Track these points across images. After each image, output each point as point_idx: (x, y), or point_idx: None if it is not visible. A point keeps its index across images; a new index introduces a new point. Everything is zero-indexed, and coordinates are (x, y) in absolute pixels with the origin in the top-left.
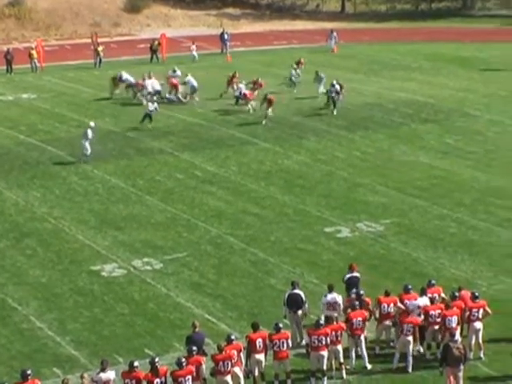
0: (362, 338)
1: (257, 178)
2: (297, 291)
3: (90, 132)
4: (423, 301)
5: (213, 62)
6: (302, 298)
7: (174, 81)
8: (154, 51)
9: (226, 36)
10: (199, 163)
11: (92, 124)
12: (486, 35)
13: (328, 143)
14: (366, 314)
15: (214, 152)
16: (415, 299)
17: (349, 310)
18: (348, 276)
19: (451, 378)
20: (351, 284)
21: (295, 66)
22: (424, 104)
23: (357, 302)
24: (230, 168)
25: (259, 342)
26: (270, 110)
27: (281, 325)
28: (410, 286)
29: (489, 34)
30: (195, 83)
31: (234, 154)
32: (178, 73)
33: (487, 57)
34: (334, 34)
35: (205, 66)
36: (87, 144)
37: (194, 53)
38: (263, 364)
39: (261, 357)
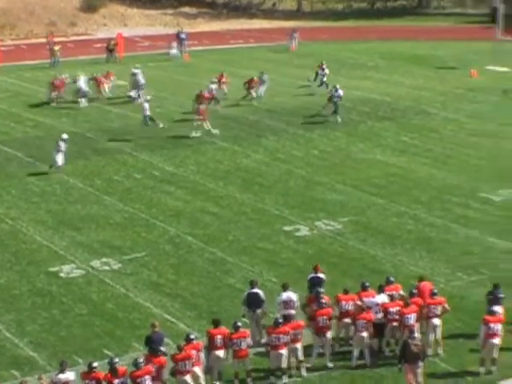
0: (328, 335)
1: (215, 178)
2: (256, 290)
3: (62, 144)
4: (381, 298)
5: (170, 61)
6: (260, 297)
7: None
8: (110, 51)
9: (182, 35)
10: (157, 163)
11: (64, 136)
12: (440, 33)
13: (286, 142)
14: (332, 312)
15: (172, 152)
16: (373, 297)
17: (314, 308)
18: (311, 276)
19: (410, 375)
20: (313, 284)
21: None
22: (381, 102)
23: (324, 301)
24: (189, 167)
25: (219, 339)
26: (252, 91)
27: (239, 323)
28: (367, 284)
29: (444, 33)
30: (142, 79)
31: (193, 153)
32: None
33: (442, 55)
34: (296, 34)
35: (163, 65)
36: (59, 156)
37: (174, 50)
38: (223, 362)
39: (220, 353)
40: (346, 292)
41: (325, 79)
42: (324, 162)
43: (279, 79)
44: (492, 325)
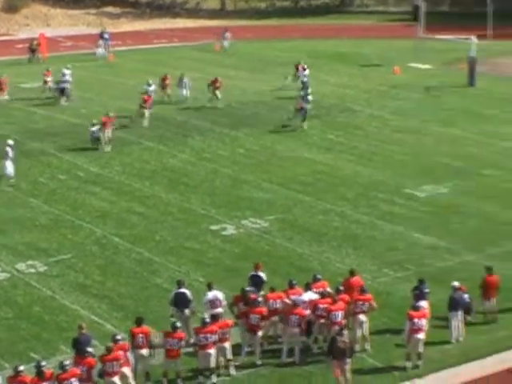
0: (259, 334)
1: (141, 178)
2: (183, 290)
3: (9, 150)
4: (308, 295)
5: (94, 61)
6: (188, 297)
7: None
8: (33, 51)
9: (106, 35)
10: (82, 164)
11: (10, 142)
12: (364, 31)
13: (212, 141)
14: (264, 311)
15: (97, 153)
16: (300, 294)
17: (241, 307)
18: (251, 274)
19: (338, 371)
20: (253, 282)
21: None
22: None
23: (260, 299)
24: (114, 168)
25: (141, 337)
26: (218, 92)
27: (178, 324)
28: (294, 282)
29: (367, 31)
30: (69, 79)
31: (118, 154)
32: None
33: (366, 53)
34: (227, 33)
35: (86, 65)
36: (8, 164)
37: (101, 50)
38: (147, 361)
39: (143, 352)
40: (272, 290)
41: (306, 79)
42: (250, 161)
43: (205, 78)
44: (416, 320)
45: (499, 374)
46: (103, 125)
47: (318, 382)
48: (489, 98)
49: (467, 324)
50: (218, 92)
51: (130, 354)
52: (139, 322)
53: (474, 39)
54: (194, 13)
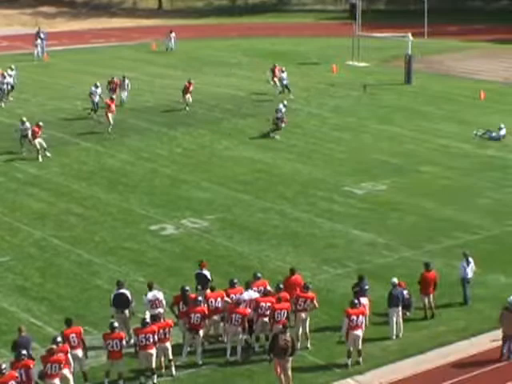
0: (200, 333)
1: (79, 179)
2: (122, 291)
3: None
4: (249, 294)
5: (30, 61)
6: (128, 298)
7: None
8: None
9: (41, 35)
10: (19, 165)
11: None
12: (302, 30)
13: (150, 141)
14: (205, 310)
15: (34, 154)
16: (241, 293)
17: (181, 306)
18: (196, 272)
19: (279, 368)
20: (198, 280)
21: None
22: (244, 99)
23: (200, 298)
24: (52, 169)
25: (72, 337)
26: (188, 96)
27: (116, 324)
28: (235, 281)
29: (305, 29)
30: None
31: (56, 155)
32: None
33: (304, 51)
34: (173, 34)
35: (22, 65)
36: None
37: (39, 50)
38: (84, 362)
39: (78, 353)
40: (212, 289)
41: (285, 82)
42: (189, 160)
43: (142, 78)
44: (354, 317)
45: (439, 369)
46: (33, 134)
47: (260, 381)
48: (425, 95)
49: (406, 320)
50: (188, 96)
51: (70, 356)
52: (69, 323)
53: (410, 37)
54: (131, 12)
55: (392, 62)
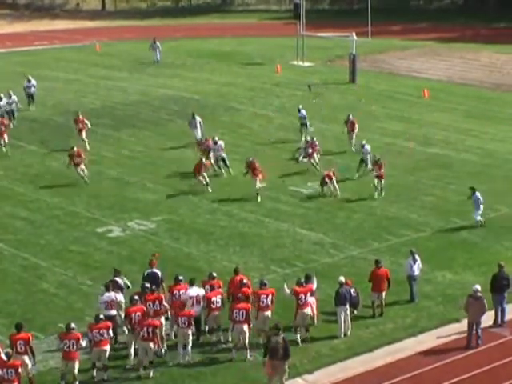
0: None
1: (24, 182)
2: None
3: None
4: (194, 291)
5: None
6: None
7: None
8: None
9: None
10: None
11: None
12: (246, 30)
13: (95, 143)
14: (144, 309)
15: None
16: (186, 290)
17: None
18: (147, 272)
19: (269, 369)
20: (150, 279)
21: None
22: (190, 100)
23: (136, 297)
24: None
25: (20, 344)
26: None
27: (73, 325)
28: (180, 277)
29: (249, 29)
30: None
31: None
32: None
33: (249, 51)
34: (157, 43)
35: None
36: None
37: None
38: (29, 366)
39: (25, 359)
40: (152, 291)
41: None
42: (135, 162)
43: (86, 80)
44: (302, 295)
45: (387, 366)
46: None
47: (207, 382)
48: (369, 94)
49: (354, 318)
50: None
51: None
52: (19, 328)
53: (354, 36)
54: (75, 14)
55: (336, 61)
